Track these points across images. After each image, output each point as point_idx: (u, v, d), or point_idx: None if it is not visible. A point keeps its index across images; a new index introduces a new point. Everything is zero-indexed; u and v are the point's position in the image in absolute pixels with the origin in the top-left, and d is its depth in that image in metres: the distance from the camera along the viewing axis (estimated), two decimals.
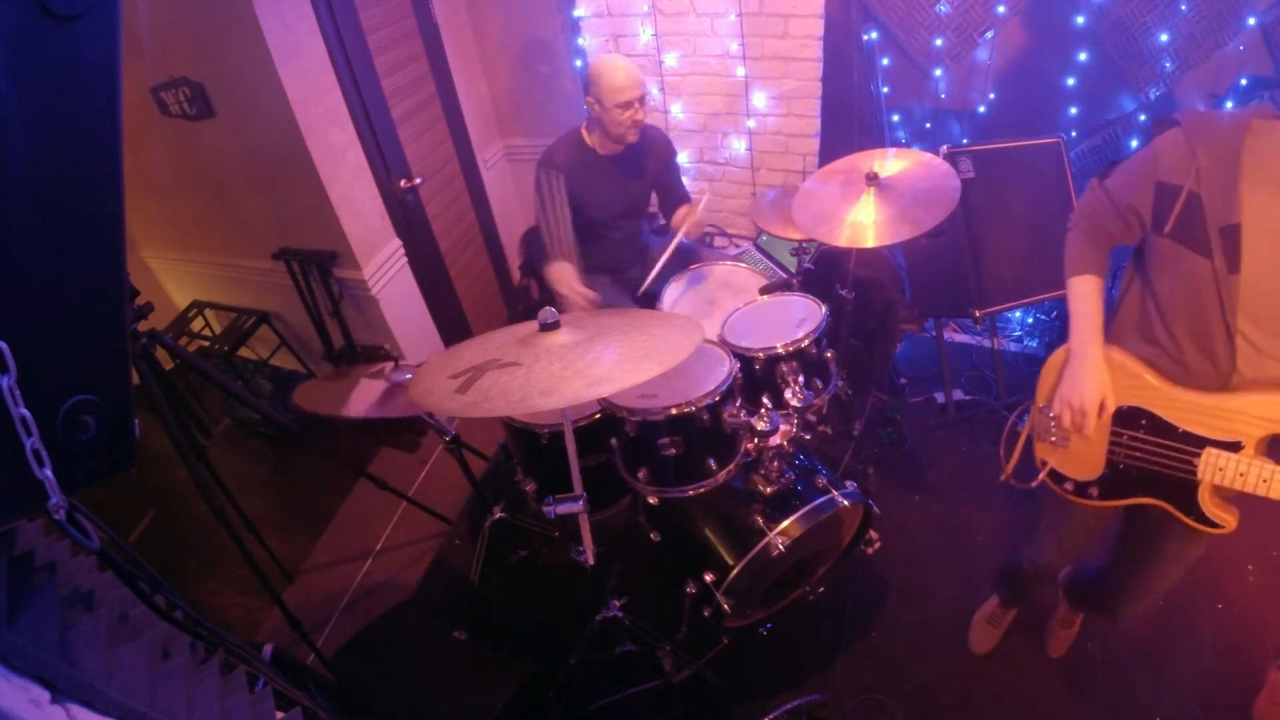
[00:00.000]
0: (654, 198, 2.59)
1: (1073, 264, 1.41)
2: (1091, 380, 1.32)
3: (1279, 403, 1.17)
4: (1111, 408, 1.34)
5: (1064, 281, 1.43)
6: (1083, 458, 1.43)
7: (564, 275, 2.28)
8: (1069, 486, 1.48)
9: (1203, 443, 1.25)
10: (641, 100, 2.18)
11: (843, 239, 1.88)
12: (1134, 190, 1.26)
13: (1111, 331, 1.38)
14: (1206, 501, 1.29)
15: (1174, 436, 1.28)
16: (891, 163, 2.02)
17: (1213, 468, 1.25)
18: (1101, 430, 1.37)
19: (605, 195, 2.35)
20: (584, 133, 2.32)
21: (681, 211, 2.46)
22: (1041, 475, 1.51)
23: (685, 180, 3.52)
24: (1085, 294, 1.37)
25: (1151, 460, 1.33)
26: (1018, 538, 2.33)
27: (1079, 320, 1.36)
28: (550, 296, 2.63)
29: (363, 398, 1.98)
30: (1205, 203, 1.13)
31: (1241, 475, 1.22)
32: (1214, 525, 1.30)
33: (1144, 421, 1.32)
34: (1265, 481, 1.20)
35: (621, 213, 2.45)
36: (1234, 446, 1.22)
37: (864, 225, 1.88)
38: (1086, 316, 1.35)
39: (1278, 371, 1.17)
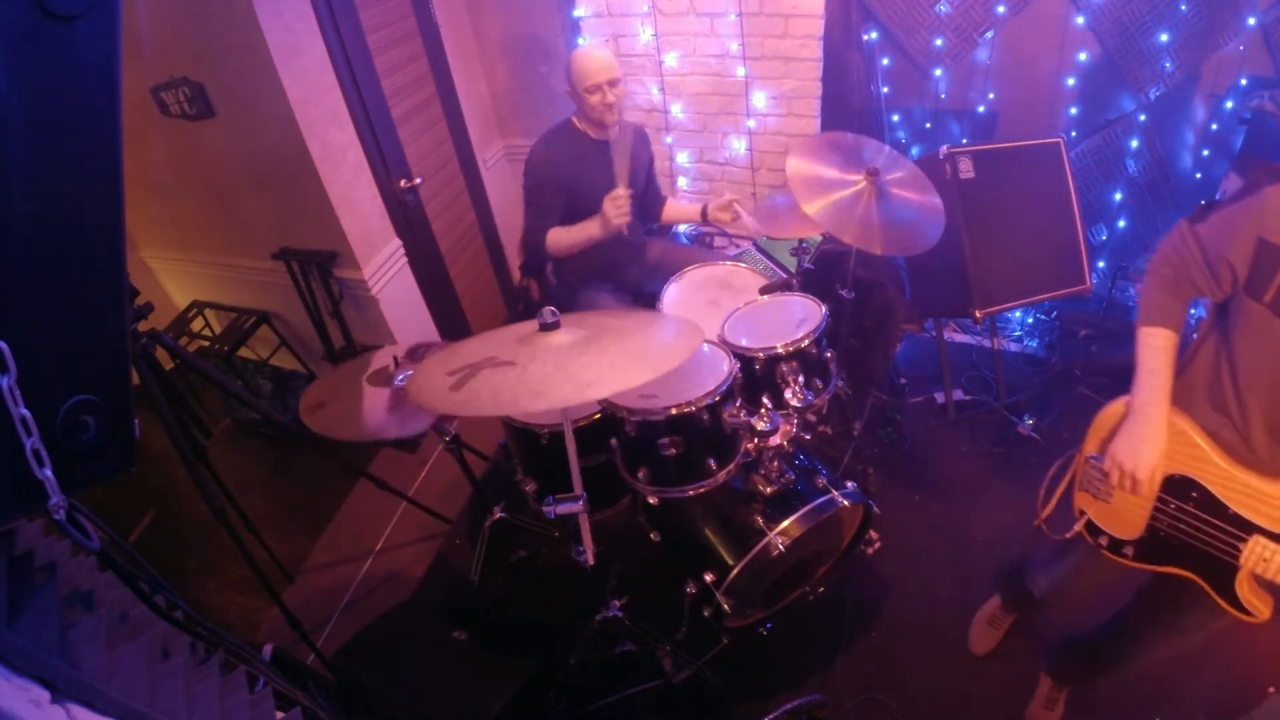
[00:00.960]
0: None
1: (1148, 313, 1.27)
2: (1151, 445, 1.23)
3: None
4: (1161, 475, 1.26)
5: (1135, 329, 1.30)
6: (1124, 516, 1.36)
7: (573, 228, 2.33)
8: (1104, 541, 1.41)
9: (1252, 529, 1.18)
10: (611, 84, 2.22)
11: (815, 209, 1.87)
12: (1231, 243, 1.13)
13: (1179, 387, 1.26)
14: (1243, 587, 1.22)
15: (1223, 516, 1.20)
16: (897, 172, 2.02)
17: (1257, 556, 1.17)
18: (1145, 497, 1.30)
19: (599, 179, 2.34)
20: (575, 120, 2.37)
21: (683, 205, 2.64)
22: (1077, 527, 1.45)
23: (684, 180, 3.53)
24: (1157, 349, 1.24)
25: (1195, 535, 1.25)
26: (1017, 538, 2.34)
27: (1147, 377, 1.24)
28: (550, 295, 2.64)
29: (374, 411, 1.96)
30: None
31: None
32: (1246, 612, 1.24)
33: (1195, 495, 1.23)
34: None
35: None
36: None
37: (844, 214, 1.88)
38: (1156, 375, 1.24)
39: None
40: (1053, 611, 1.96)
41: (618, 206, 2.18)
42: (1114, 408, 1.34)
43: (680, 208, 2.68)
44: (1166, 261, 1.25)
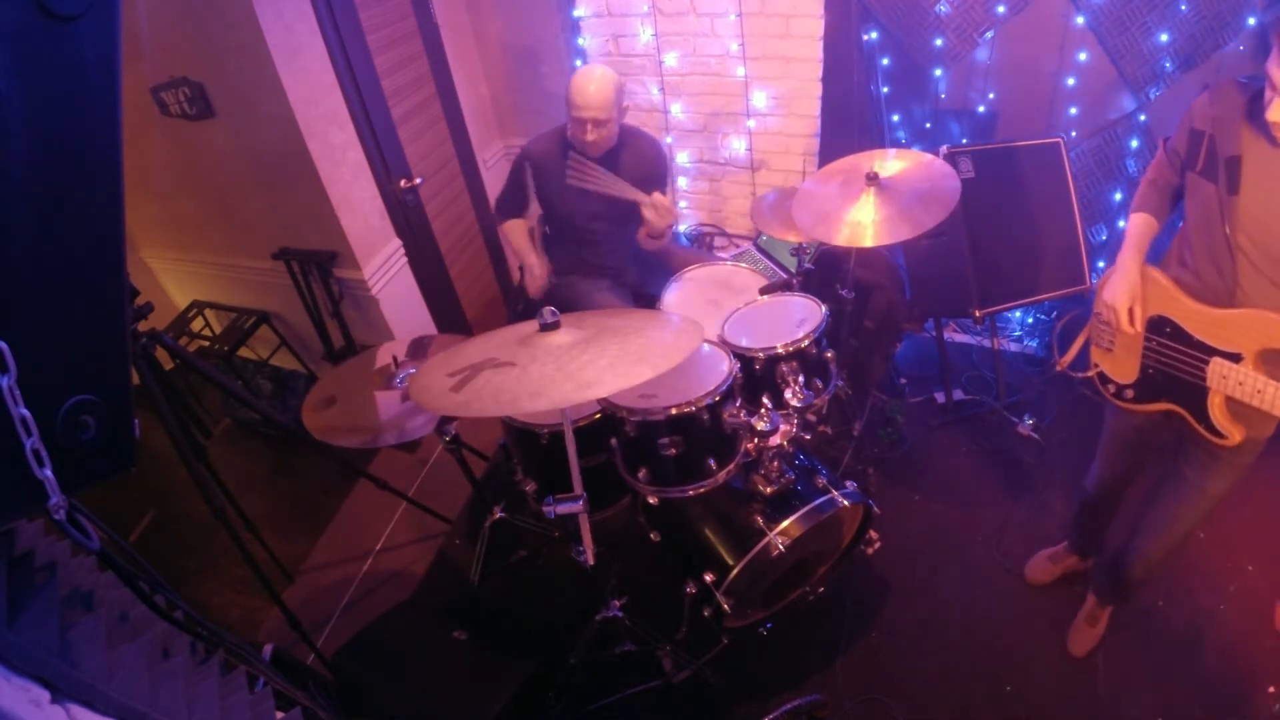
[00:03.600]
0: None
1: (1135, 202, 1.67)
2: (1124, 285, 1.57)
3: (1270, 320, 1.34)
4: (1140, 313, 1.57)
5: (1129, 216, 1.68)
6: (1124, 362, 1.66)
7: (518, 232, 2.56)
8: (1112, 389, 1.71)
9: (1211, 351, 1.44)
10: (596, 123, 2.17)
11: (842, 239, 1.88)
12: (1179, 138, 1.53)
13: (1161, 260, 1.62)
14: (1215, 409, 1.46)
15: (1190, 344, 1.49)
16: (892, 163, 2.01)
17: (1218, 375, 1.43)
18: (1137, 338, 1.60)
19: (571, 191, 2.29)
20: (568, 128, 2.35)
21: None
22: (1091, 371, 1.76)
23: (684, 180, 3.52)
24: (1136, 223, 1.63)
25: (1173, 364, 1.53)
26: (1017, 537, 2.35)
27: (1126, 242, 1.62)
28: (550, 294, 2.64)
29: (375, 417, 1.95)
30: (1218, 142, 1.39)
31: (1240, 384, 1.39)
32: (1220, 435, 1.47)
33: (1169, 329, 1.53)
34: (1259, 392, 1.36)
35: (596, 212, 2.41)
36: (1235, 357, 1.40)
37: (864, 225, 1.87)
38: (1131, 239, 1.62)
39: (1273, 294, 1.36)
40: (1104, 522, 2.08)
41: (533, 280, 2.49)
42: (1108, 273, 1.67)
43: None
44: (1151, 167, 1.66)
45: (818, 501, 1.75)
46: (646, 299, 2.55)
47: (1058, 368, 1.87)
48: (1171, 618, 2.09)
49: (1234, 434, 1.46)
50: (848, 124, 2.96)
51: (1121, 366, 1.67)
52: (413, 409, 1.93)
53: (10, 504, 0.66)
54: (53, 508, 0.68)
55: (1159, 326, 1.56)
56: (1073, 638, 2.06)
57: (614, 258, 2.54)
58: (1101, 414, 1.86)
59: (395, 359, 2.08)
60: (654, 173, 2.38)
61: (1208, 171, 1.42)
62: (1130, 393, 1.66)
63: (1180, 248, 1.55)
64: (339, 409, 1.96)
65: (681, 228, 3.63)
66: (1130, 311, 1.57)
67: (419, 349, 2.12)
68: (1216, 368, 1.43)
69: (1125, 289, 1.58)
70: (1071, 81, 2.76)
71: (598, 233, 2.48)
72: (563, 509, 1.39)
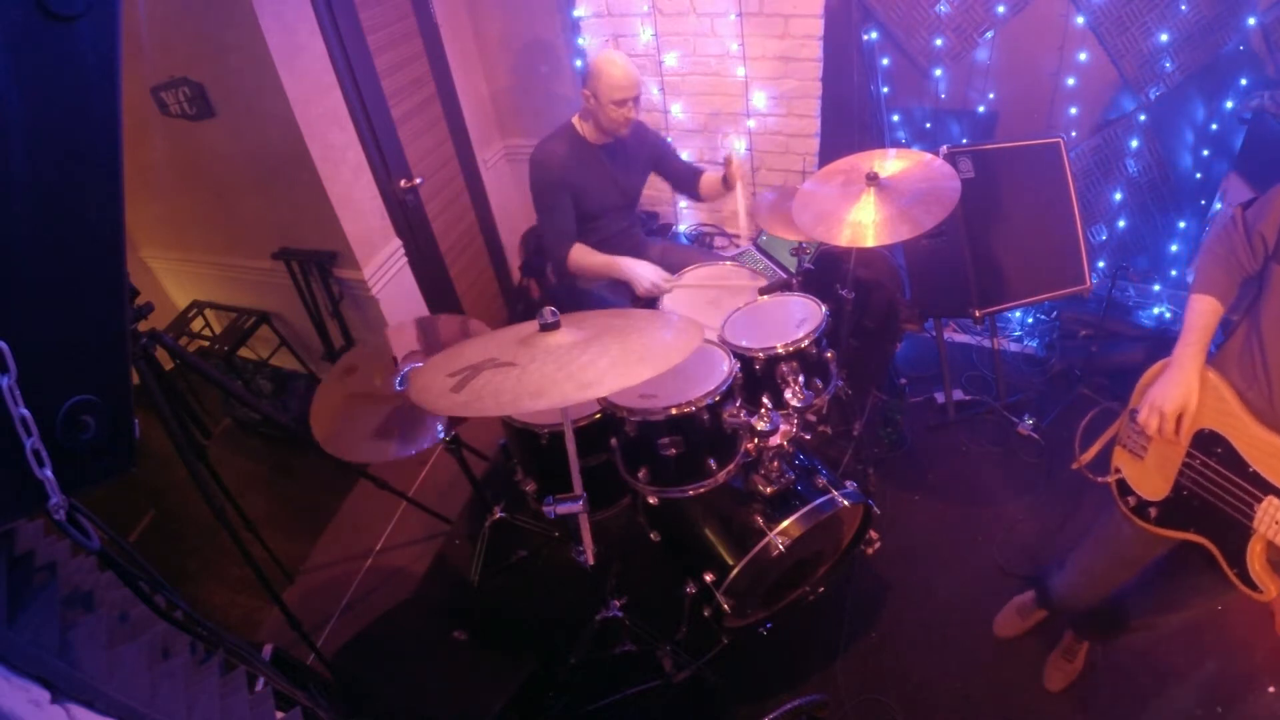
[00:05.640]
0: (657, 194, 2.61)
1: (1199, 282, 1.39)
2: (1181, 389, 1.33)
3: None
4: (1189, 422, 1.33)
5: (1188, 296, 1.41)
6: (1153, 475, 1.43)
7: (601, 258, 2.36)
8: (1131, 501, 1.48)
9: (1268, 489, 1.21)
10: (636, 100, 2.23)
11: (843, 239, 1.88)
12: (1266, 216, 1.26)
13: (1215, 358, 1.37)
14: (1254, 556, 1.24)
15: (1243, 474, 1.25)
16: (892, 163, 2.01)
17: (1270, 519, 1.20)
18: (1176, 451, 1.36)
19: (600, 184, 2.38)
20: (576, 123, 2.36)
21: (713, 176, 2.53)
22: (1111, 477, 1.53)
23: None
24: (1200, 312, 1.36)
25: (1216, 493, 1.30)
26: (1017, 538, 2.34)
27: (1187, 334, 1.37)
28: (550, 294, 2.64)
29: (378, 432, 1.93)
30: None
31: None
32: (1253, 587, 1.25)
33: (1219, 450, 1.29)
34: None
35: (616, 204, 2.46)
36: None
37: (864, 225, 1.87)
38: (1194, 332, 1.36)
39: None
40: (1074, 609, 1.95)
41: (655, 285, 2.29)
42: (1155, 368, 1.43)
43: (711, 181, 2.55)
44: (1218, 239, 1.37)
45: (818, 501, 1.75)
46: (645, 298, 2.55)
47: (1073, 466, 1.61)
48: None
49: (1270, 589, 1.23)
50: (848, 124, 2.97)
51: (1149, 480, 1.43)
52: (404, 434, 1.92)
53: (10, 504, 0.66)
54: (53, 508, 0.68)
55: (1208, 444, 1.31)
56: (1049, 673, 1.97)
57: (624, 251, 2.53)
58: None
59: (395, 359, 2.08)
60: (653, 146, 2.53)
61: None
62: (1154, 511, 1.43)
63: (1249, 350, 1.29)
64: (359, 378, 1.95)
65: (681, 228, 3.63)
66: (1178, 420, 1.33)
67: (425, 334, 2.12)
68: (1270, 509, 1.19)
69: (1179, 393, 1.32)
70: (1071, 81, 2.76)
71: (614, 223, 2.50)
72: (563, 509, 1.39)
